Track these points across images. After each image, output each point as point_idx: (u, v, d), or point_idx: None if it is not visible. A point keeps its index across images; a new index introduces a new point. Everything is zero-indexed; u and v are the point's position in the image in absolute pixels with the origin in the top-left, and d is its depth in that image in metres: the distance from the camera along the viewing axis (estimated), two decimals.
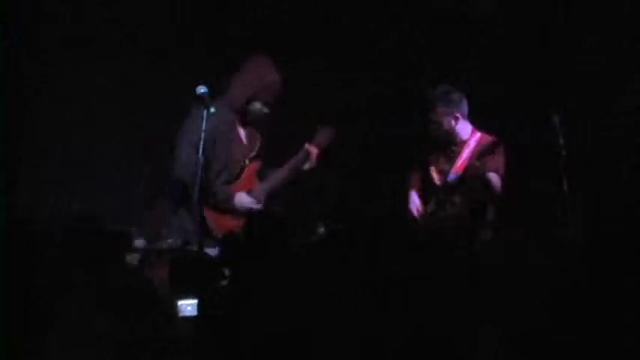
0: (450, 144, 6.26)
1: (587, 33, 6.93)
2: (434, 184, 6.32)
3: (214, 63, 6.99)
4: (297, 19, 7.42)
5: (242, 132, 6.12)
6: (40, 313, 3.85)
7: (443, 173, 6.28)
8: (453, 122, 6.21)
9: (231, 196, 5.97)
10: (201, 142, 5.63)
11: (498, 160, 6.17)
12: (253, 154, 6.14)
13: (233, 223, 5.88)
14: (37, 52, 6.92)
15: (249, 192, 6.05)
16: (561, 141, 6.01)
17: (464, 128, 6.25)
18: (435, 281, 4.56)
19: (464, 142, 6.22)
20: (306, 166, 6.14)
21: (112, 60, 7.01)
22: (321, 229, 6.00)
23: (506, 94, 7.05)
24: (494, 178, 6.14)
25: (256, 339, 4.02)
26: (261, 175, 6.14)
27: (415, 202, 6.37)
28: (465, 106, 6.24)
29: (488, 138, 6.21)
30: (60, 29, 6.97)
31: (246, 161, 6.10)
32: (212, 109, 5.63)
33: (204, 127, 5.61)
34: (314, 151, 6.11)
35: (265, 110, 6.05)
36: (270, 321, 4.07)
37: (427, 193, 6.35)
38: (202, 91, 5.67)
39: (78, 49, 6.97)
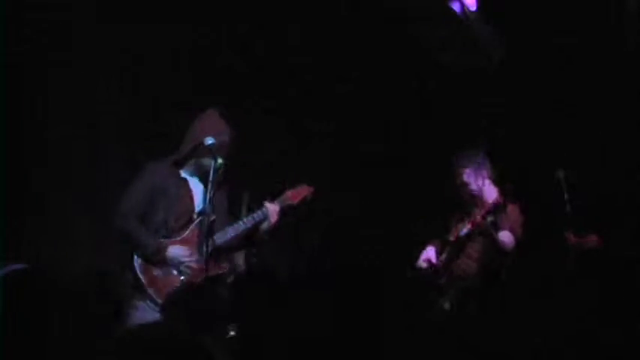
0: (475, 206, 6.35)
1: (592, 89, 6.99)
2: (449, 239, 6.43)
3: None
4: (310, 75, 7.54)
5: (196, 186, 5.86)
6: None
7: (459, 230, 6.38)
8: (480, 183, 6.31)
9: (162, 248, 5.66)
10: (209, 193, 5.55)
11: (514, 217, 6.28)
12: (203, 207, 5.71)
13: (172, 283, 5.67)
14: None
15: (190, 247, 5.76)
16: (566, 196, 6.06)
17: (490, 191, 6.36)
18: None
19: (485, 203, 6.30)
20: (264, 226, 5.80)
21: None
22: None
23: (512, 149, 7.10)
24: (505, 236, 6.20)
25: None
26: (205, 235, 5.66)
27: (429, 253, 6.48)
28: (489, 169, 6.38)
29: (510, 202, 6.29)
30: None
31: (194, 216, 5.80)
32: (220, 160, 5.56)
33: (211, 178, 5.55)
34: (274, 209, 5.80)
35: (220, 162, 5.70)
36: None
37: (443, 248, 6.48)
38: (210, 142, 5.61)
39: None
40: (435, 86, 7.51)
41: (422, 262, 6.43)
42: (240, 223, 5.79)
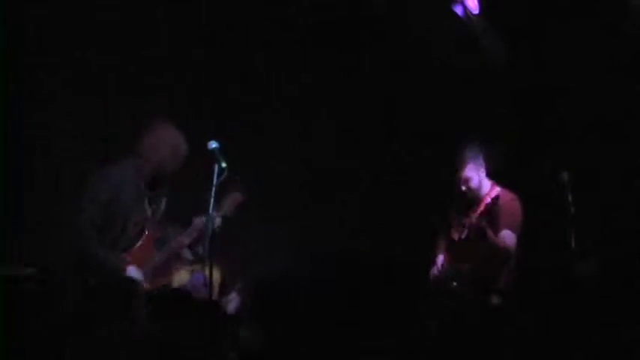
0: (472, 200, 6.36)
1: (596, 92, 6.99)
2: (452, 239, 6.42)
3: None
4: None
5: (148, 196, 5.91)
6: None
7: (460, 229, 6.33)
8: (481, 176, 6.33)
9: (122, 269, 5.69)
10: (212, 197, 5.59)
11: (513, 214, 6.27)
12: (157, 218, 5.92)
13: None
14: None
15: (143, 262, 5.79)
16: (570, 198, 6.04)
17: (485, 185, 6.40)
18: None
19: (483, 198, 6.32)
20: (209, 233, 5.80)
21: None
22: None
23: (516, 151, 7.09)
24: (507, 235, 6.19)
25: None
26: (159, 243, 5.90)
27: (439, 263, 6.47)
28: (484, 162, 6.40)
29: (506, 194, 6.33)
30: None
31: (147, 227, 5.86)
32: (223, 165, 5.57)
33: (215, 182, 5.58)
34: (217, 219, 5.79)
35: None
36: None
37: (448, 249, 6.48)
38: (214, 146, 5.61)
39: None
40: (437, 86, 7.50)
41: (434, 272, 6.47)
42: (181, 236, 5.86)
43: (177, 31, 7.27)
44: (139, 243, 5.81)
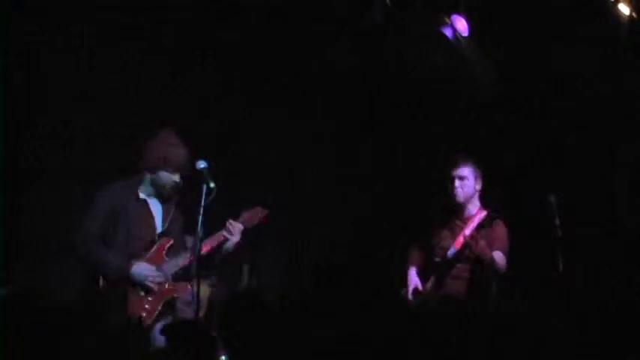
0: (458, 217, 6.27)
1: (586, 114, 7.02)
2: (435, 261, 6.34)
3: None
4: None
5: (155, 206, 5.91)
6: None
7: (444, 249, 6.28)
8: (476, 187, 6.25)
9: (126, 266, 5.68)
10: (200, 217, 5.59)
11: (503, 237, 6.21)
12: (163, 228, 5.89)
13: (141, 306, 5.71)
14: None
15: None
16: (557, 222, 6.05)
17: (476, 200, 6.31)
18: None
19: (469, 218, 6.22)
20: (229, 245, 5.87)
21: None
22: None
23: (504, 174, 7.11)
24: (498, 256, 6.14)
25: None
26: (171, 252, 5.85)
27: (414, 280, 6.39)
28: (480, 181, 6.32)
29: (495, 217, 6.22)
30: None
31: (156, 236, 5.86)
32: (212, 185, 5.58)
33: (203, 203, 5.58)
34: (239, 228, 5.85)
35: (176, 179, 5.84)
36: None
37: (428, 269, 6.38)
38: (202, 165, 5.65)
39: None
40: (425, 105, 7.53)
41: (409, 294, 6.39)
42: (205, 242, 5.77)
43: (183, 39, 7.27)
44: (148, 254, 5.78)
